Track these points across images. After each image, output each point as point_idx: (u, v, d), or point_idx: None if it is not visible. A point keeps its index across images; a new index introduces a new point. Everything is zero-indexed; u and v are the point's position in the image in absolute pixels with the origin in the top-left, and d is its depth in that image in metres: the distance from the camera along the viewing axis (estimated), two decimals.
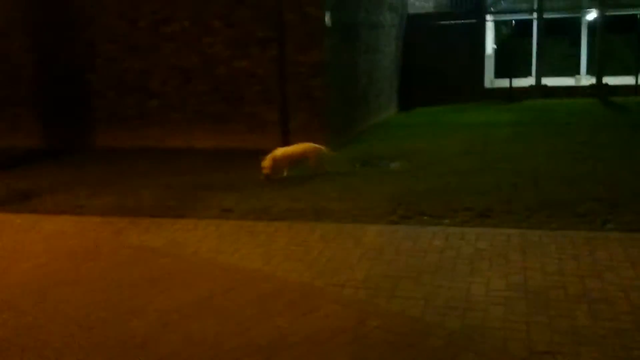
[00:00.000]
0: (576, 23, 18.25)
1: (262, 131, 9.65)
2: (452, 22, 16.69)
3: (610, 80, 16.14)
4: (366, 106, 12.14)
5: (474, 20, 16.66)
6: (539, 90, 16.64)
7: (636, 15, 17.30)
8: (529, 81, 17.17)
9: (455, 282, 3.96)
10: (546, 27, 17.23)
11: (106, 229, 5.51)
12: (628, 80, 16.36)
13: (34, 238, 5.32)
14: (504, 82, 17.18)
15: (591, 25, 17.73)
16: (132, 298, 3.92)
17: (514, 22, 19.26)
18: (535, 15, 17.43)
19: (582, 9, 17.66)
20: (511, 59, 17.77)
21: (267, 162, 7.27)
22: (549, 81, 16.81)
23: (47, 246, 5.04)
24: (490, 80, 17.81)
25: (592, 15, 17.39)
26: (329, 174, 7.59)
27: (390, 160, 8.57)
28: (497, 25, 18.92)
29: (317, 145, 7.77)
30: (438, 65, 16.13)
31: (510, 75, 16.69)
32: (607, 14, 16.58)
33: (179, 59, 9.89)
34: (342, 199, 6.32)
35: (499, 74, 18.24)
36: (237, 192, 6.80)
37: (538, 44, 17.32)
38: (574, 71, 18.18)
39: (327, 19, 9.39)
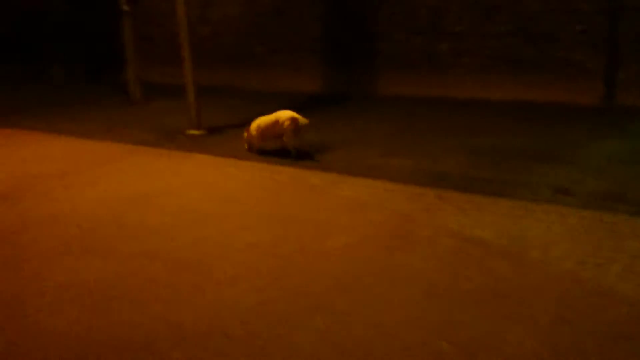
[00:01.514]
0: None
1: (580, 82, 7.69)
2: None
3: None
4: None
5: None
6: None
7: None
8: None
9: None
10: None
11: (412, 203, 4.48)
12: None
13: (331, 205, 4.55)
14: None
15: None
16: (474, 326, 2.77)
17: None
18: None
19: None
20: None
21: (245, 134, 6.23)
22: None
23: (348, 219, 4.21)
24: None
25: None
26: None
27: None
28: None
29: (292, 115, 5.73)
30: None
31: None
32: None
33: None
34: None
35: None
36: (567, 165, 5.21)
37: None
38: None
39: None
